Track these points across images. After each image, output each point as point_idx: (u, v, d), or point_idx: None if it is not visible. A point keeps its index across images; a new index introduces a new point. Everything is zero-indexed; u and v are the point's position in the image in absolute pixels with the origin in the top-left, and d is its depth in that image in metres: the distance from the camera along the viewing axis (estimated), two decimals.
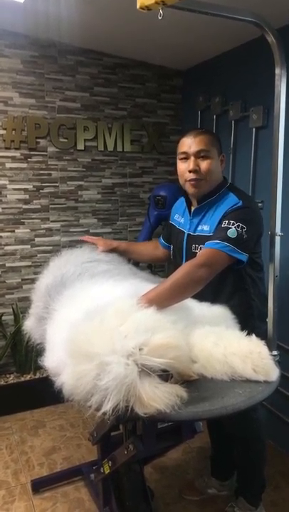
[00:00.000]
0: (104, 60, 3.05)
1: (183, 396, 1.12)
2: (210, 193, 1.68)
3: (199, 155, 1.63)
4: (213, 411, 1.12)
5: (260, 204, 2.55)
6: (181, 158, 1.67)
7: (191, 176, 1.64)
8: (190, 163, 1.63)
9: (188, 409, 1.10)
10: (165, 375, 1.15)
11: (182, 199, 1.85)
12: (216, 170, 1.66)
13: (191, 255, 1.68)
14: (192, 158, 1.63)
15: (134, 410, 1.07)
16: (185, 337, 1.26)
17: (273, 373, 1.26)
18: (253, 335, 1.34)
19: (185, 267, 1.49)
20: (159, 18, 1.15)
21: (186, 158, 1.65)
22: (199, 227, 1.71)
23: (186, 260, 1.74)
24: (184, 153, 1.65)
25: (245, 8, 1.36)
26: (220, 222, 1.59)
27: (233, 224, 1.53)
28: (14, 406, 2.89)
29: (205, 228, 1.68)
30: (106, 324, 1.14)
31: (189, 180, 1.66)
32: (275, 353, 1.46)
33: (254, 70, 2.53)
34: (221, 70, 2.86)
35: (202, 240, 1.64)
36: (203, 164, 1.63)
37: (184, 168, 1.67)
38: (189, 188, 1.69)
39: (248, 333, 1.36)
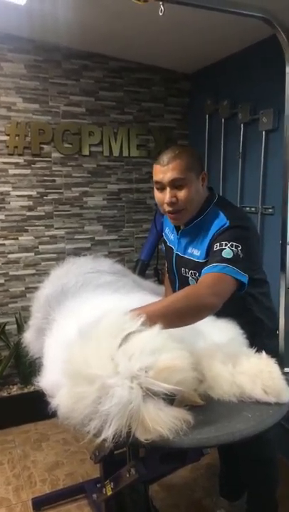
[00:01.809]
0: (110, 63, 2.99)
1: (189, 421, 1.03)
2: (196, 214, 1.55)
3: (174, 184, 1.47)
4: (219, 438, 1.03)
5: (270, 210, 2.46)
6: (157, 188, 1.54)
7: (169, 208, 1.51)
8: (166, 195, 1.48)
9: (191, 435, 1.01)
10: (169, 399, 1.06)
11: None
12: (195, 195, 1.50)
13: (182, 278, 1.60)
14: (168, 188, 1.48)
15: (135, 436, 0.98)
16: (191, 356, 1.17)
17: (285, 394, 1.16)
18: (263, 352, 1.25)
19: (195, 291, 1.34)
20: (160, 14, 1.08)
21: (162, 188, 1.51)
22: (189, 250, 1.58)
23: (180, 282, 1.64)
24: (158, 182, 1.50)
25: (253, 3, 1.28)
26: (210, 247, 1.45)
27: (226, 244, 1.39)
28: (18, 418, 2.81)
29: (195, 253, 1.54)
30: (103, 343, 1.06)
31: (168, 212, 1.53)
32: (287, 370, 1.36)
33: (264, 71, 2.45)
34: (230, 73, 2.78)
35: (192, 265, 1.54)
36: (181, 194, 1.47)
37: (161, 198, 1.52)
38: (170, 220, 1.58)
39: (257, 351, 1.26)
